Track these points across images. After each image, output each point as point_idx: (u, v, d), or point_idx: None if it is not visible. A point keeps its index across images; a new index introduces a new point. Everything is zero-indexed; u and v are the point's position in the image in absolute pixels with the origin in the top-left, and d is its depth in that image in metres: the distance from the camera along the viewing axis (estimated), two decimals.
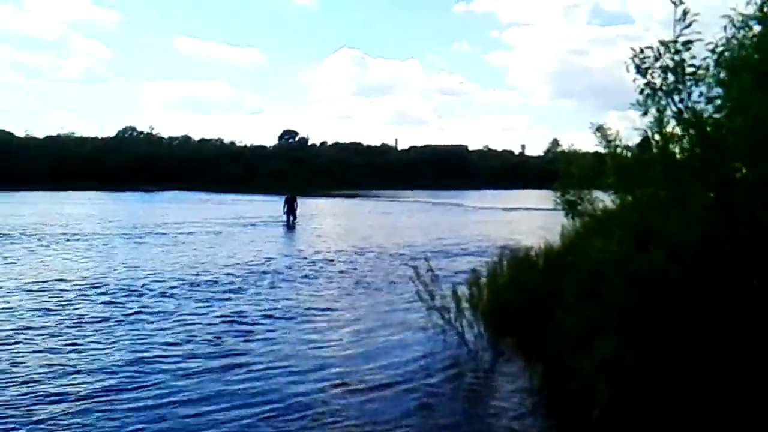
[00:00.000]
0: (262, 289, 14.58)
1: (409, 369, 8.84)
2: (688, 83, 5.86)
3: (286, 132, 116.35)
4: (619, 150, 7.50)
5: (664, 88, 5.88)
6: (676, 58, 5.81)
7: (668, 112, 6.00)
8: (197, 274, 16.22)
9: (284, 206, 33.03)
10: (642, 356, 5.60)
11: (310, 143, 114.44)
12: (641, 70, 5.95)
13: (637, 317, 5.80)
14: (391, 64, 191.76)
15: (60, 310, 11.96)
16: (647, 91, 5.95)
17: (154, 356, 9.16)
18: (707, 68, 5.87)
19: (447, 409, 7.52)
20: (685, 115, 5.95)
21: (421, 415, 7.27)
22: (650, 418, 5.50)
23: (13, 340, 9.81)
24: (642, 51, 5.94)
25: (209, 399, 7.56)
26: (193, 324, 11.03)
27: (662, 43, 5.87)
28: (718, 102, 6.00)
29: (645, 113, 6.08)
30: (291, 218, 32.82)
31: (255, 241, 24.95)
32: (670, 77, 5.84)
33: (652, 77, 5.90)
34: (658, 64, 5.87)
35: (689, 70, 5.83)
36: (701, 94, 6.03)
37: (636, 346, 5.65)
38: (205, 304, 12.74)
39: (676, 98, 5.92)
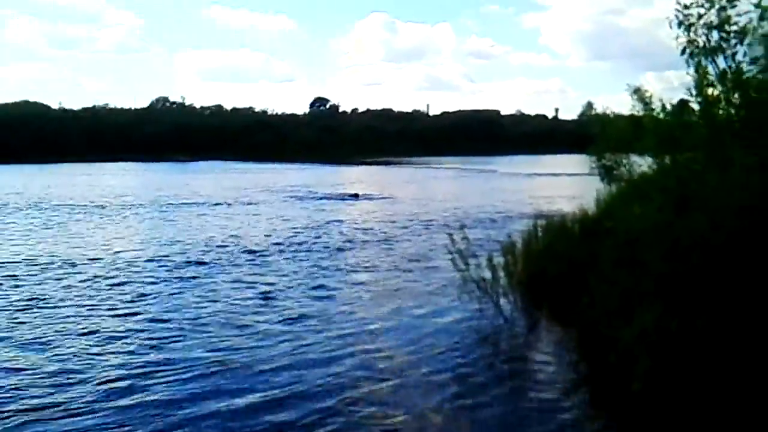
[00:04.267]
0: (296, 259, 14.63)
1: (443, 338, 8.77)
2: (733, 41, 5.64)
3: (317, 100, 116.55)
4: (657, 112, 7.30)
5: (707, 46, 5.67)
6: (722, 15, 5.59)
7: (710, 71, 5.80)
8: (229, 245, 16.37)
9: None
10: (684, 324, 5.47)
11: (341, 111, 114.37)
12: (684, 27, 5.74)
13: (678, 284, 5.66)
14: (421, 28, 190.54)
15: (97, 280, 12.24)
16: (690, 49, 5.75)
17: (182, 328, 9.25)
18: (753, 27, 5.64)
19: (482, 379, 7.42)
20: (729, 76, 5.73)
21: (456, 385, 7.19)
22: (693, 390, 5.38)
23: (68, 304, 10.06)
24: (686, 7, 5.73)
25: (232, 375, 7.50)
26: (226, 297, 11.06)
27: None
28: (763, 62, 5.77)
29: (694, 70, 5.86)
30: None
31: (291, 211, 25.08)
32: (714, 35, 5.62)
33: (695, 35, 5.70)
34: (701, 21, 5.66)
35: (734, 28, 5.61)
36: (745, 54, 5.80)
37: (677, 314, 5.51)
38: (240, 276, 12.84)
39: (720, 58, 5.70)
